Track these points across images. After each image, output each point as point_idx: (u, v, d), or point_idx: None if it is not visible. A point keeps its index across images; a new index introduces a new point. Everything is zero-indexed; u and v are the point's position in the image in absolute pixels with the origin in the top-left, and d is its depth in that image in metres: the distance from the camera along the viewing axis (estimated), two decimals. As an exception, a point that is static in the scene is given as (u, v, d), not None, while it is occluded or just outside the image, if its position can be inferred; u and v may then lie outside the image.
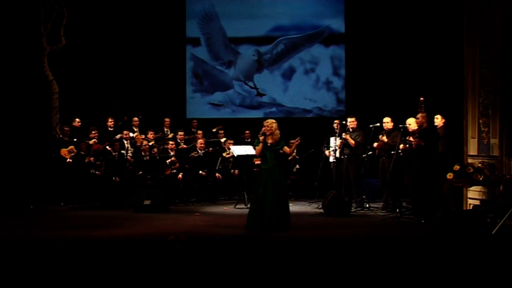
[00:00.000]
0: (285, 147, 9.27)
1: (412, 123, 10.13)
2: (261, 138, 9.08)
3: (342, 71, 14.79)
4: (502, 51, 9.61)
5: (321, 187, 11.89)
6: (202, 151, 12.67)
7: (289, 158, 12.94)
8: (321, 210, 10.77)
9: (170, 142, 12.80)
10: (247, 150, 11.63)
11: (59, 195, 12.01)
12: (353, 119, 11.45)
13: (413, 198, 10.26)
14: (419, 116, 9.97)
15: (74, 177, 11.95)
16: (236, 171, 12.80)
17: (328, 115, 14.33)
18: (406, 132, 10.25)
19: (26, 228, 9.24)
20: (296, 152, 13.04)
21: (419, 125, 9.93)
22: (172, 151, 12.57)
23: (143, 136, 12.85)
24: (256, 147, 9.20)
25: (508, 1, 9.38)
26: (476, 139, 10.23)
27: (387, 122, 11.04)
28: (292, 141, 10.08)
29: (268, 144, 9.07)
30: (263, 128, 9.13)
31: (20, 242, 8.08)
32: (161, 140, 13.13)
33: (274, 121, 9.26)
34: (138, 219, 10.07)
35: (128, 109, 13.48)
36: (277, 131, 9.13)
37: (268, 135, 9.08)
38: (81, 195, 11.96)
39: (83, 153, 12.18)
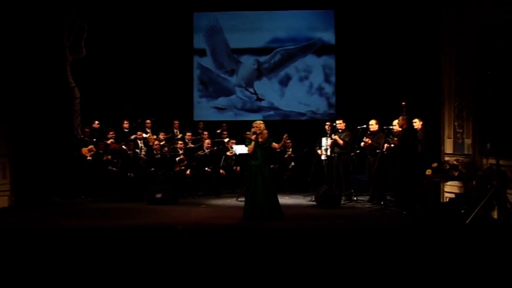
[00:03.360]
0: (274, 143, 9.33)
1: (397, 125, 10.17)
2: (253, 137, 9.14)
3: (333, 79, 14.80)
4: (475, 60, 9.65)
5: (314, 182, 11.85)
6: (208, 150, 12.72)
7: (286, 156, 12.97)
8: (314, 203, 10.80)
9: (179, 142, 12.82)
10: (247, 149, 11.64)
11: (80, 189, 12.05)
12: (341, 121, 11.49)
13: (396, 192, 10.28)
14: (400, 118, 10.00)
15: (93, 173, 12.02)
16: (238, 168, 12.81)
17: (320, 118, 14.33)
18: (390, 133, 10.29)
19: (51, 218, 9.32)
20: (291, 151, 13.08)
21: (400, 126, 9.96)
22: (181, 150, 12.58)
23: (155, 136, 12.87)
24: (249, 146, 9.26)
25: (480, 16, 9.42)
26: (452, 139, 10.29)
27: (372, 124, 11.07)
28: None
29: (260, 143, 9.12)
30: (253, 129, 9.22)
31: (46, 230, 8.16)
32: (171, 140, 13.15)
33: (262, 122, 9.35)
34: (150, 211, 10.10)
35: (139, 112, 13.50)
36: (265, 131, 9.20)
37: (259, 134, 9.14)
38: (99, 189, 11.99)
39: (101, 151, 12.24)
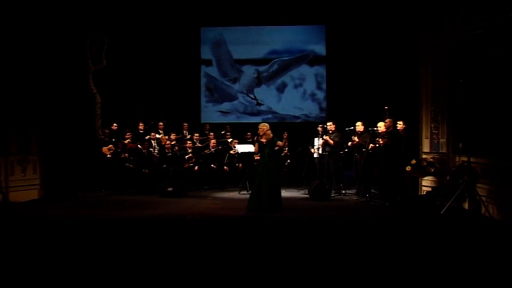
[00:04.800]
0: (278, 141, 9.36)
1: (381, 126, 10.20)
2: (255, 137, 9.22)
3: (324, 86, 14.82)
4: (448, 70, 9.71)
5: (307, 177, 11.79)
6: (213, 149, 12.76)
7: (282, 154, 12.99)
8: (307, 196, 10.82)
9: (188, 142, 12.82)
10: (249, 148, 11.68)
11: (101, 183, 12.01)
12: (331, 123, 11.52)
13: (380, 186, 10.31)
14: (387, 120, 10.03)
15: (112, 170, 12.02)
16: (240, 164, 12.81)
17: (313, 120, 14.34)
18: (374, 134, 10.33)
19: (75, 209, 9.35)
20: (288, 150, 13.11)
21: (387, 127, 10.00)
22: (189, 149, 12.58)
23: (167, 137, 12.84)
24: (254, 146, 9.38)
25: (452, 32, 9.46)
26: (428, 139, 10.32)
27: (359, 126, 11.10)
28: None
29: (264, 143, 9.17)
30: (258, 131, 9.29)
31: (71, 220, 8.19)
32: (181, 140, 13.14)
33: (265, 124, 9.35)
34: (162, 203, 10.10)
35: (153, 115, 13.52)
36: (269, 132, 9.20)
37: (262, 135, 9.17)
38: (118, 184, 11.98)
39: (119, 150, 12.22)
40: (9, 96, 10.11)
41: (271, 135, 9.23)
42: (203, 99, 15.23)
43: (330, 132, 11.42)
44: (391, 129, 9.96)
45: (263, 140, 9.16)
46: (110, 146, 12.22)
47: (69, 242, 6.65)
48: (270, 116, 14.88)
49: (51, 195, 10.76)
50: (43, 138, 10.90)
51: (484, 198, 8.21)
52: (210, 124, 14.23)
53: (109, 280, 4.96)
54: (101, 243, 6.50)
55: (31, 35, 10.48)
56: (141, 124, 13.03)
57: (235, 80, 15.17)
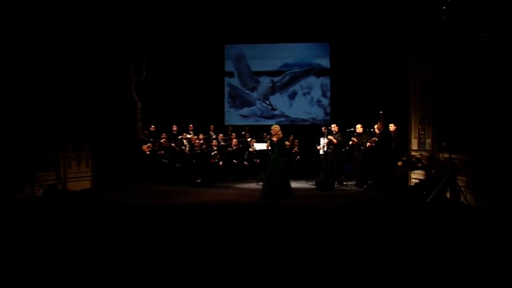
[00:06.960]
0: (286, 142, 9.51)
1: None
2: (268, 137, 9.35)
3: (328, 94, 14.90)
4: (433, 81, 9.72)
5: (314, 171, 11.86)
6: (235, 147, 12.89)
7: (293, 151, 13.07)
8: (314, 186, 10.87)
9: (214, 141, 12.89)
10: (265, 146, 11.75)
11: (141, 175, 12.11)
12: (334, 125, 11.55)
13: (376, 178, 10.30)
14: (378, 123, 10.09)
15: (150, 164, 12.14)
16: (257, 160, 12.83)
17: (319, 123, 14.37)
18: (371, 134, 10.39)
19: (120, 197, 9.48)
20: (297, 148, 13.17)
21: (378, 129, 10.07)
22: (215, 147, 12.67)
23: (196, 137, 12.91)
24: (266, 144, 9.55)
25: (436, 48, 9.47)
26: (417, 139, 10.35)
27: (358, 128, 11.15)
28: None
29: (275, 141, 9.33)
30: (270, 131, 9.46)
31: (117, 205, 8.34)
32: (208, 139, 13.19)
33: (277, 126, 9.50)
34: (192, 192, 10.17)
35: (182, 118, 13.61)
36: (280, 132, 9.34)
37: (274, 135, 9.33)
38: (155, 176, 12.07)
39: (156, 148, 12.34)
40: (66, 104, 10.35)
41: (281, 135, 9.39)
42: (226, 105, 15.38)
43: (334, 132, 11.44)
44: (382, 130, 10.02)
45: (274, 139, 9.32)
46: (149, 144, 12.35)
47: (116, 223, 6.85)
48: (282, 119, 14.99)
49: (100, 185, 10.93)
50: (94, 138, 11.10)
51: (463, 189, 8.24)
52: (232, 126, 14.29)
53: (152, 252, 5.18)
54: (142, 225, 6.68)
55: (82, 53, 10.70)
56: (174, 126, 13.20)
57: (253, 89, 15.31)
